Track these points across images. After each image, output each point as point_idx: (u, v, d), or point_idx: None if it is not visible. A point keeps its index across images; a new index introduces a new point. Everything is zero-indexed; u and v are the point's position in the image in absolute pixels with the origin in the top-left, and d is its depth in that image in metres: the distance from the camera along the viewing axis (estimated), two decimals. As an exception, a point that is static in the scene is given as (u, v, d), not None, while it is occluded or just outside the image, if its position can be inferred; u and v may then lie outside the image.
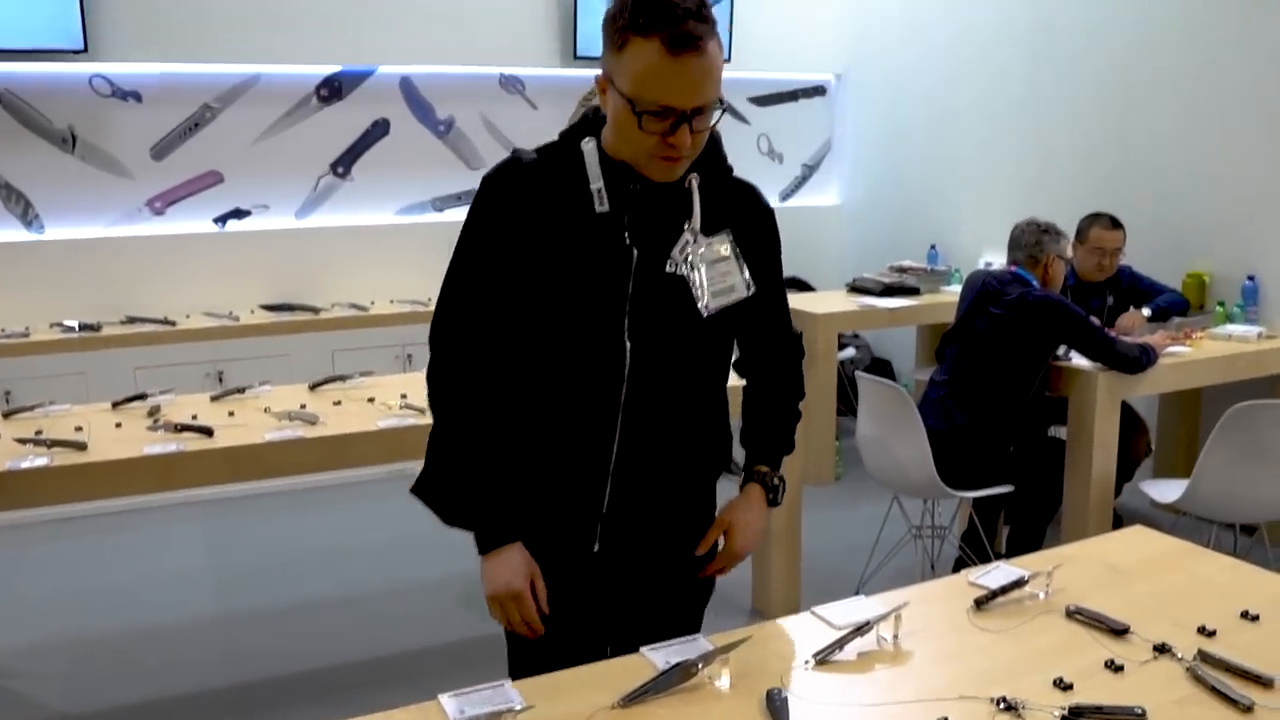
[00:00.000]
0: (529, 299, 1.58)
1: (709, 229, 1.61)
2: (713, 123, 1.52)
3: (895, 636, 1.55)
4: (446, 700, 1.39)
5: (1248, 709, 1.33)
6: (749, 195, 1.72)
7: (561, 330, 1.59)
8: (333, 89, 5.41)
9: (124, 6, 4.90)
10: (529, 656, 1.68)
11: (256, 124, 5.29)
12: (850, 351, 5.82)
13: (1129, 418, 3.86)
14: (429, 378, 1.66)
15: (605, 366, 1.59)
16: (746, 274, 1.63)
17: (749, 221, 1.69)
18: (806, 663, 1.48)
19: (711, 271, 1.60)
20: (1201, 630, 1.55)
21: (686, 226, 1.59)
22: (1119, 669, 1.45)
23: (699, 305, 1.59)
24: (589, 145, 1.59)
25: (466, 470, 1.63)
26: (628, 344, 1.58)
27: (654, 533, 1.73)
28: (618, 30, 1.45)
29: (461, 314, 1.63)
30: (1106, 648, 1.51)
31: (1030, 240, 3.56)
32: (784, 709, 1.33)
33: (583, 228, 1.56)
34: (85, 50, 4.79)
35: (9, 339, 4.55)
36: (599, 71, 1.53)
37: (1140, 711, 1.32)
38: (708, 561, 1.78)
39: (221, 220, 5.30)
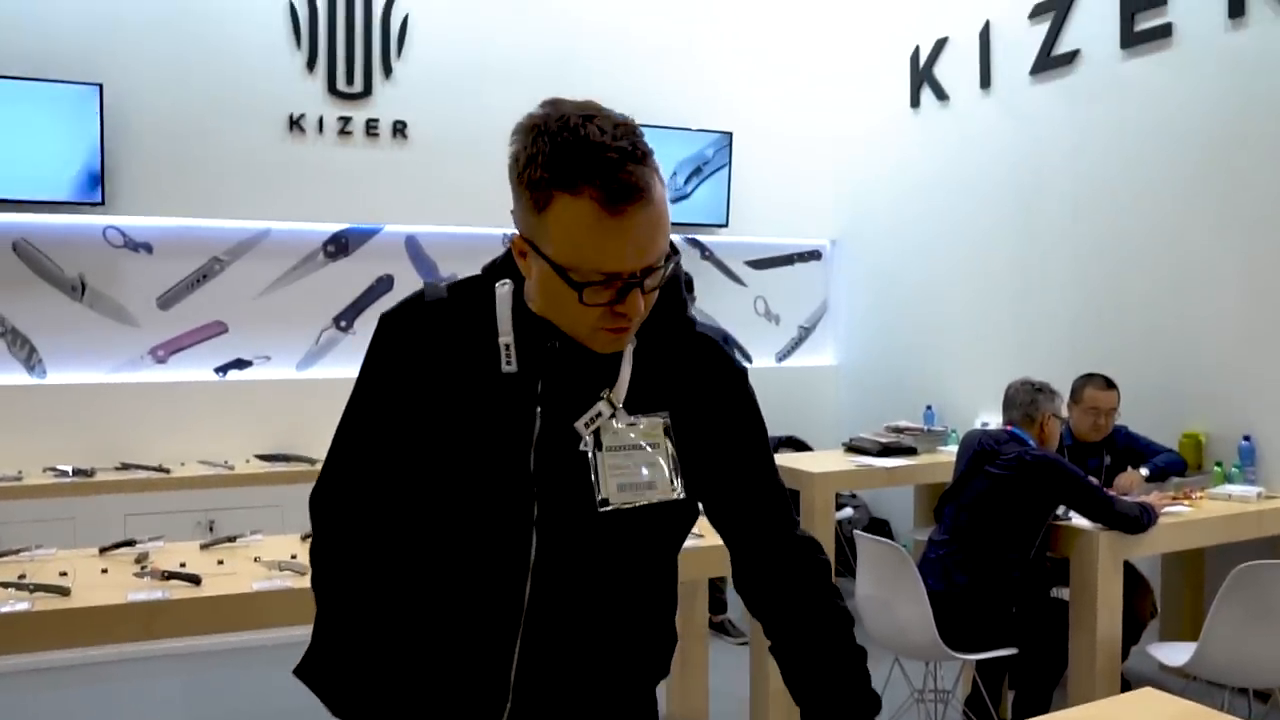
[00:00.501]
0: (422, 468, 1.31)
1: (641, 404, 1.32)
2: (665, 275, 1.23)
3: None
4: None
5: None
6: (711, 356, 1.40)
7: (457, 509, 1.32)
8: (339, 245, 5.55)
9: (143, 163, 5.09)
10: None
11: (263, 277, 5.40)
12: (848, 511, 5.77)
13: (1133, 579, 3.80)
14: (311, 553, 1.40)
15: (507, 555, 1.30)
16: (675, 475, 1.32)
17: (710, 393, 1.38)
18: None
19: (623, 459, 1.30)
20: (1220, 799, 1.49)
21: (603, 395, 1.30)
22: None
23: (596, 496, 1.28)
24: (504, 289, 1.32)
25: (356, 659, 1.35)
26: (534, 534, 1.29)
27: None
28: (533, 185, 1.17)
29: (347, 480, 1.37)
30: (1122, 816, 1.45)
31: (1025, 399, 3.59)
32: None
33: (486, 389, 1.30)
34: (102, 202, 4.93)
35: (3, 483, 4.51)
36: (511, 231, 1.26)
37: None
38: None
39: (223, 370, 5.35)
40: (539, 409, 1.29)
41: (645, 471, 1.30)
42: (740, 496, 1.41)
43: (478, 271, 1.40)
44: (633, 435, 1.31)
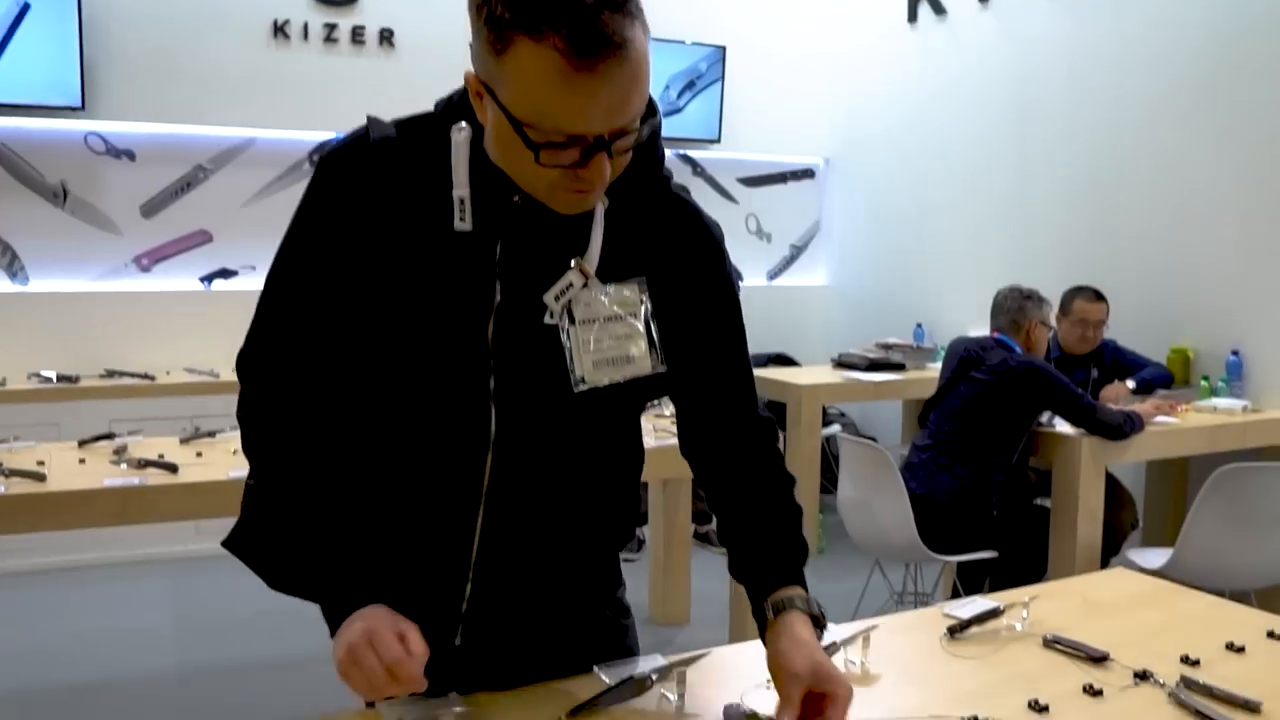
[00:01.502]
0: (367, 329, 1.20)
1: (614, 271, 1.21)
2: (640, 138, 1.10)
3: (863, 660, 1.48)
4: (386, 707, 1.31)
5: (1232, 734, 1.26)
6: (687, 218, 1.29)
7: (408, 377, 1.22)
8: (326, 153, 5.45)
9: (123, 67, 4.97)
10: None
11: (248, 186, 5.31)
12: (835, 428, 5.77)
13: (1115, 491, 3.81)
14: (239, 413, 1.28)
15: (464, 432, 1.22)
16: (655, 346, 1.23)
17: (685, 258, 1.28)
18: (768, 681, 1.41)
19: (598, 332, 1.20)
20: (1185, 660, 1.48)
21: (573, 264, 1.19)
22: (1098, 693, 1.37)
23: (571, 376, 1.19)
24: (460, 135, 1.17)
25: (287, 527, 1.25)
26: (493, 408, 1.21)
27: (530, 626, 1.37)
28: (493, 22, 1.02)
29: (278, 334, 1.24)
30: (1086, 673, 1.44)
31: (1013, 306, 3.56)
32: (742, 723, 1.25)
33: (438, 248, 1.17)
34: (83, 108, 4.84)
35: (-15, 389, 4.49)
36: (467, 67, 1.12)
37: (1119, 733, 1.25)
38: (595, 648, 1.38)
39: (208, 279, 5.29)
40: (499, 275, 1.18)
41: (622, 345, 1.21)
42: (707, 368, 1.33)
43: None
44: (607, 305, 1.20)
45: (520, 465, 1.24)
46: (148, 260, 5.18)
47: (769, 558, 1.32)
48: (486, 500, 1.25)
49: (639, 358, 1.22)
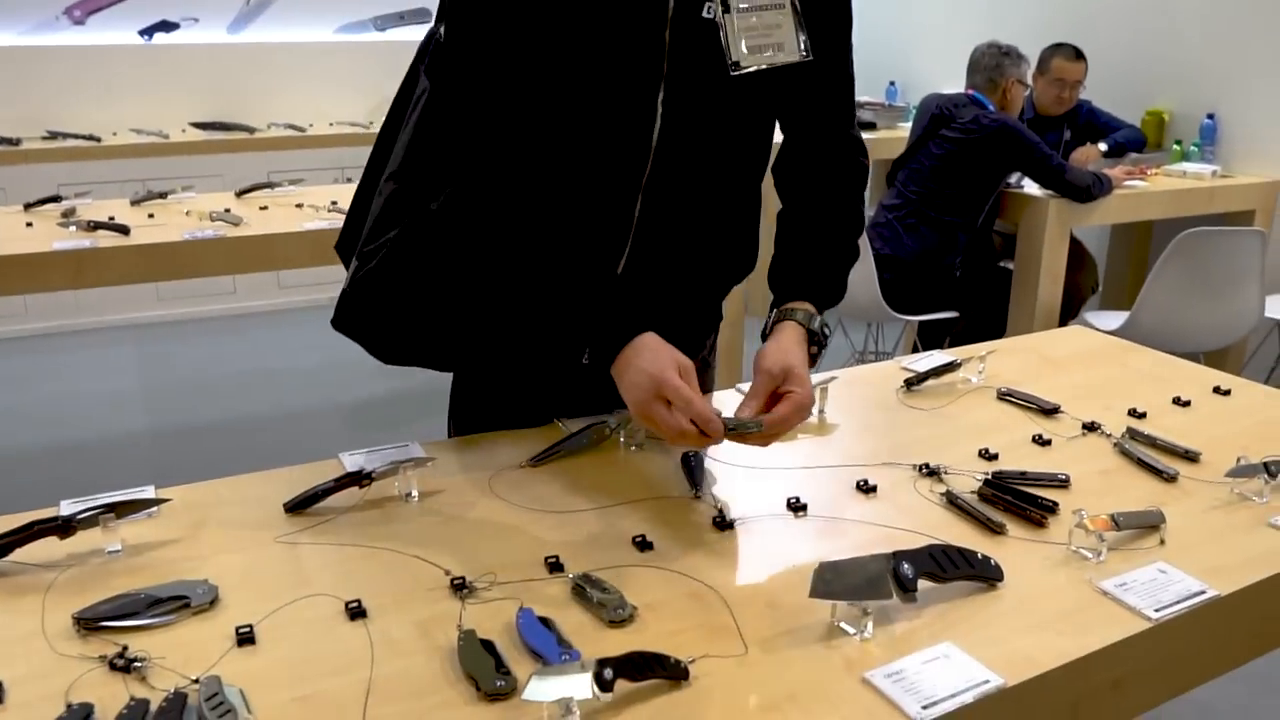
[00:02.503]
0: (548, 32, 1.24)
1: None
2: None
3: (821, 410, 1.51)
4: (346, 456, 1.33)
5: (1171, 479, 1.30)
6: None
7: (583, 78, 1.26)
8: (264, -109, 5.05)
9: None
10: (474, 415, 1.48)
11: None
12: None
13: (1077, 253, 3.83)
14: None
15: (629, 130, 1.27)
16: (804, 35, 1.28)
17: None
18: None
19: (754, 20, 1.26)
20: (1132, 412, 1.52)
21: None
22: (1046, 443, 1.41)
23: (728, 60, 1.24)
24: None
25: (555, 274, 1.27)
26: (659, 104, 1.26)
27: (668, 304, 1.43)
28: None
29: (474, 49, 1.26)
30: (1036, 424, 1.48)
31: (990, 63, 3.45)
32: (699, 469, 1.29)
33: None
34: None
35: (-81, 150, 4.31)
36: None
37: (1064, 478, 1.29)
38: None
39: (148, 33, 4.99)
40: None
41: (773, 34, 1.27)
42: (817, 77, 1.37)
43: None
44: None
45: (675, 169, 1.30)
46: (79, 12, 4.86)
47: (800, 269, 1.38)
48: (642, 204, 1.31)
49: (788, 44, 1.28)
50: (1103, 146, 4.02)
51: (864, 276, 3.20)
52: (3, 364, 4.36)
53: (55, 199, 3.09)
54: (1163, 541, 1.15)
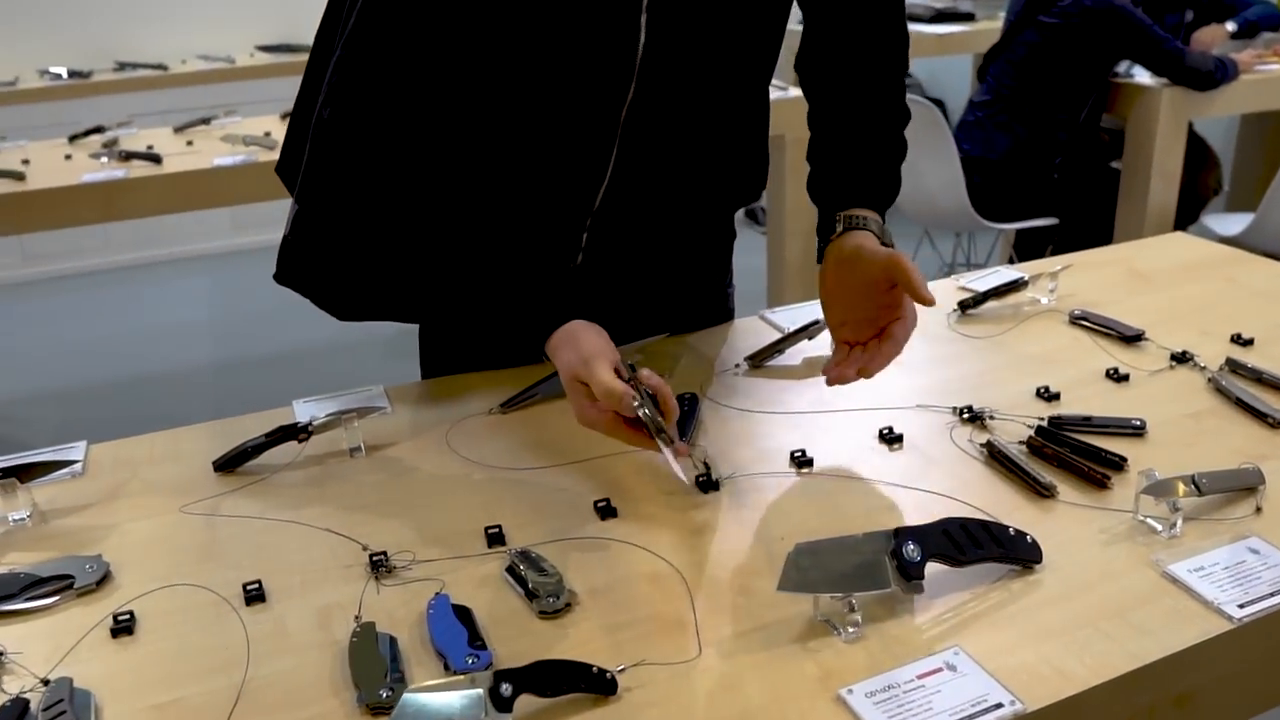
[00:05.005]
0: None
1: None
2: None
3: (854, 343, 1.29)
4: (299, 405, 1.18)
5: (1278, 426, 1.05)
6: None
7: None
8: None
9: None
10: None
11: None
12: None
13: (1198, 149, 3.43)
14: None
15: (608, 59, 1.06)
16: None
17: None
18: (738, 366, 1.23)
19: None
20: (1236, 339, 1.26)
21: None
22: (1123, 379, 1.17)
23: None
24: None
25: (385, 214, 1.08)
26: (644, 21, 1.04)
27: (644, 266, 1.29)
28: None
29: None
30: (1112, 355, 1.23)
31: (1097, -65, 3.04)
32: (692, 413, 1.09)
33: None
34: None
35: (-5, 88, 4.31)
36: None
37: (1139, 424, 1.05)
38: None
39: (213, -46, 4.88)
40: None
41: None
42: None
43: None
44: None
45: (665, 84, 1.09)
46: (145, -63, 4.77)
47: (855, 174, 1.16)
48: (625, 124, 1.10)
49: None
50: (1230, 26, 3.56)
51: (948, 179, 2.90)
52: (71, 299, 4.39)
53: (99, 129, 3.01)
54: (1259, 510, 0.91)
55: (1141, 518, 0.89)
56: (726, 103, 1.19)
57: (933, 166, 2.93)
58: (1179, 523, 0.87)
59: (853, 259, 1.07)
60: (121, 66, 4.58)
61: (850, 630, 0.76)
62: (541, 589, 0.83)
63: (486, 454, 1.07)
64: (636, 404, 0.91)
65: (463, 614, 0.80)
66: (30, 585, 0.89)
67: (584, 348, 0.98)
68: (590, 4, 1.02)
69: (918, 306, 1.04)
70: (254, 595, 0.86)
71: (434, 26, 1.03)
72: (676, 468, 0.91)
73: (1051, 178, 3.05)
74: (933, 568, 0.80)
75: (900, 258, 1.03)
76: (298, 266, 1.13)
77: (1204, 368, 1.18)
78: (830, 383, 1.06)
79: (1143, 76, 3.07)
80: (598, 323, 1.04)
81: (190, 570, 0.90)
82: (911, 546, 0.79)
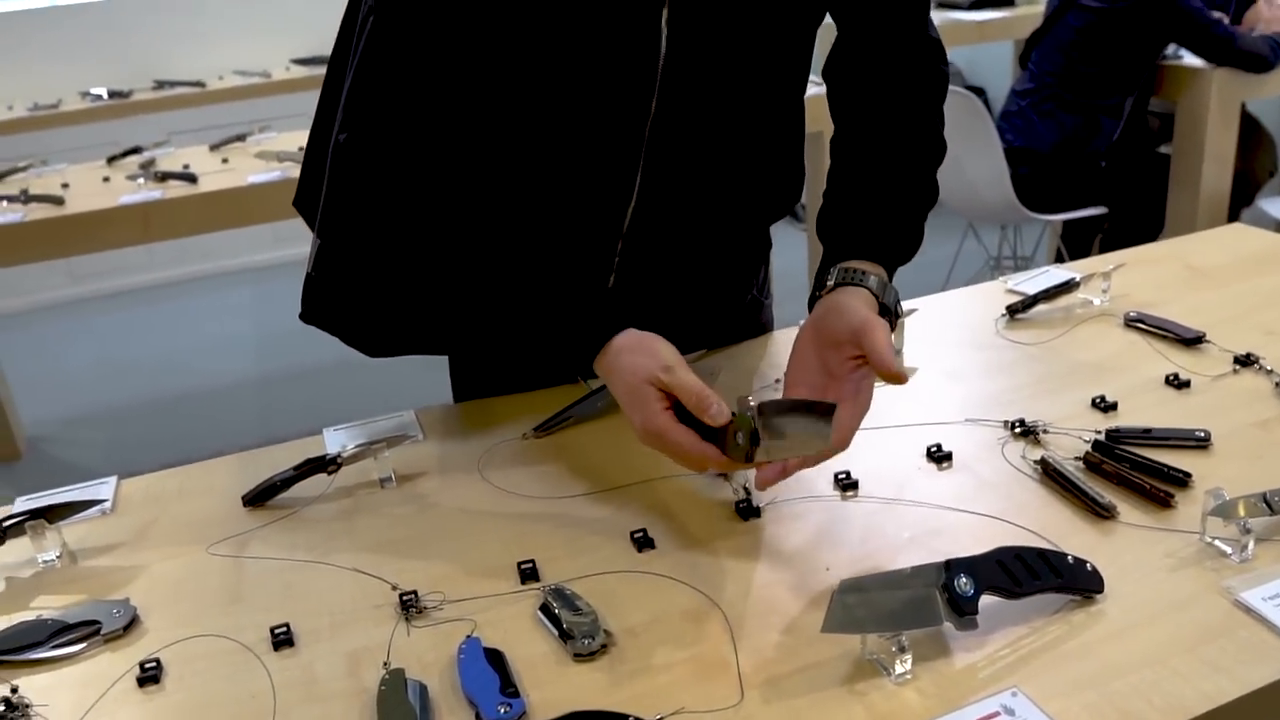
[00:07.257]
0: None
1: None
2: None
3: (898, 350, 1.24)
4: (329, 433, 1.16)
5: (1355, 429, 0.99)
6: None
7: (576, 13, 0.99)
8: None
9: None
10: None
11: None
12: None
13: (1251, 130, 3.32)
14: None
15: (624, 67, 1.01)
16: None
17: None
18: (778, 380, 1.19)
19: None
20: (1304, 337, 1.19)
21: None
22: (1184, 385, 1.11)
23: None
24: None
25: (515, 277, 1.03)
26: (664, 31, 0.99)
27: (679, 283, 1.22)
28: None
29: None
30: (1171, 361, 1.17)
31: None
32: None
33: None
34: None
35: (40, 112, 4.36)
36: None
37: (1203, 435, 1.00)
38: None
39: (246, -30, 4.92)
40: None
41: None
42: None
43: None
44: None
45: (688, 98, 1.04)
46: (179, -45, 4.81)
47: (867, 220, 1.04)
48: (649, 140, 1.05)
49: None
50: (1283, 2, 3.45)
51: (992, 171, 2.83)
52: (118, 317, 4.45)
53: (137, 150, 3.04)
54: (1337, 527, 0.85)
55: (1209, 539, 0.84)
56: (755, 115, 1.13)
57: (975, 158, 2.86)
58: (1250, 545, 0.82)
59: (829, 315, 0.95)
60: (160, 85, 4.62)
61: (900, 670, 0.72)
62: (576, 629, 0.79)
63: (519, 482, 1.03)
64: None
65: (494, 658, 0.77)
66: (57, 632, 0.87)
67: (663, 353, 0.91)
68: (608, 14, 0.98)
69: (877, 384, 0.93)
70: (282, 639, 0.83)
71: (446, 43, 0.99)
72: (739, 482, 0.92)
73: (1099, 166, 2.97)
74: (987, 600, 0.75)
75: (874, 324, 0.91)
76: (324, 304, 1.11)
77: (1270, 371, 1.12)
78: (759, 486, 0.90)
79: (1191, 58, 2.98)
80: (640, 308, 1.00)
81: (219, 612, 0.88)
82: (964, 579, 0.75)
